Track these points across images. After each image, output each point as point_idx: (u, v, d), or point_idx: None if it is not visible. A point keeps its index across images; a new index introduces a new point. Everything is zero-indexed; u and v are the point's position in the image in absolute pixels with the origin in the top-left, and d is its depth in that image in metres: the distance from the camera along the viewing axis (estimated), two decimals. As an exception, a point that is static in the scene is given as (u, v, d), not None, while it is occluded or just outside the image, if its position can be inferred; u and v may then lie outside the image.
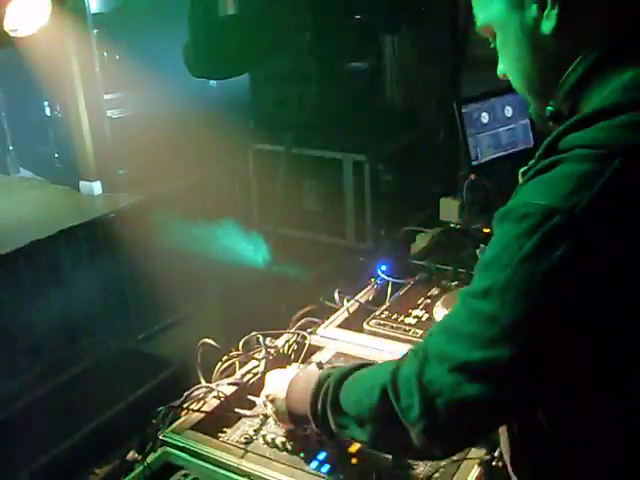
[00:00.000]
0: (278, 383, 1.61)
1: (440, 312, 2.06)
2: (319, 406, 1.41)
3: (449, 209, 2.74)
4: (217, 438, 1.65)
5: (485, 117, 2.95)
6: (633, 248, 1.03)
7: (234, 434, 1.66)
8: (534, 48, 1.21)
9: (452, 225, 2.67)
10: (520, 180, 1.22)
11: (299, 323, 2.08)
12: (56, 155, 4.56)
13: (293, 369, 1.69)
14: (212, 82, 4.40)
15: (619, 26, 1.15)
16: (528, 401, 1.15)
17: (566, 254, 1.02)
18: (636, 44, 1.15)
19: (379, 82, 4.12)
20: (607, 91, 1.14)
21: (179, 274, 3.65)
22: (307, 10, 3.46)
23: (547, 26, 1.17)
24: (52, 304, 3.52)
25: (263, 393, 1.66)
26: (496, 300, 1.08)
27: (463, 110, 2.87)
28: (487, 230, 2.54)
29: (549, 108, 1.23)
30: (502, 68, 1.31)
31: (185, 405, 1.76)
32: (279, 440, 1.60)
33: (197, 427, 1.69)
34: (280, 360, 1.92)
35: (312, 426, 1.47)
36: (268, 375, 1.70)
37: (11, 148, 4.72)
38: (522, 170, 1.21)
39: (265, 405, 1.65)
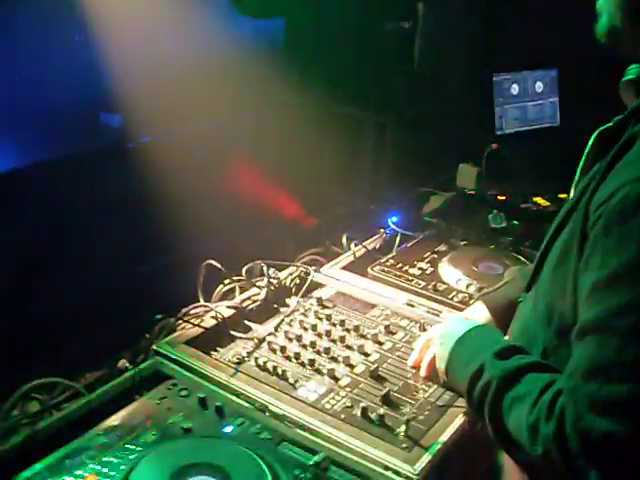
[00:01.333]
0: (452, 334, 1.49)
1: (445, 268, 2.07)
2: (476, 396, 1.30)
3: (466, 175, 2.74)
4: (210, 355, 1.67)
5: (515, 89, 2.94)
6: None
7: (227, 354, 1.68)
8: None
9: (467, 191, 2.67)
10: (591, 142, 1.14)
11: (304, 259, 2.10)
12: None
13: (470, 321, 1.55)
14: (247, 27, 4.36)
15: None
16: None
17: None
18: None
19: (410, 46, 4.09)
20: None
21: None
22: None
23: None
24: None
25: (435, 331, 1.61)
26: None
27: (494, 78, 2.87)
28: (502, 197, 2.54)
29: None
30: None
31: (181, 320, 1.78)
32: (270, 364, 1.61)
33: (191, 342, 1.71)
34: (281, 291, 1.93)
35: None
36: (450, 317, 1.67)
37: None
38: (602, 129, 1.13)
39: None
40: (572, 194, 1.19)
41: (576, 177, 1.18)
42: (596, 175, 1.08)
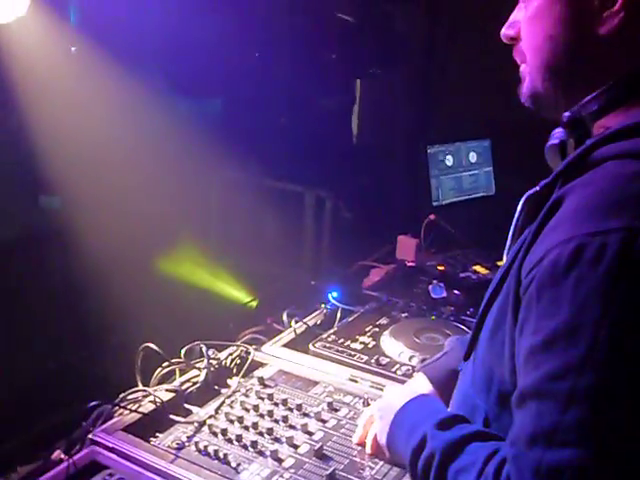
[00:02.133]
0: (391, 406, 1.47)
1: (387, 341, 2.06)
2: (419, 469, 1.24)
3: (406, 247, 2.75)
4: (149, 442, 1.61)
5: (449, 160, 3.00)
6: None
7: (167, 439, 1.63)
8: (577, 39, 1.13)
9: (407, 262, 2.68)
10: (520, 207, 1.15)
11: (245, 338, 2.07)
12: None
13: (410, 392, 1.51)
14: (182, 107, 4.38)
15: None
16: None
17: None
18: None
19: (349, 120, 4.16)
20: None
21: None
22: (283, 42, 3.49)
23: (605, 27, 1.09)
24: None
25: (375, 405, 1.58)
26: (603, 366, 0.91)
27: (429, 150, 2.92)
28: (441, 267, 2.56)
29: (568, 113, 1.15)
30: (513, 32, 1.23)
31: (118, 406, 1.73)
32: (212, 448, 1.57)
33: (129, 429, 1.66)
34: (221, 372, 1.90)
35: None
36: (389, 389, 1.66)
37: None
38: (529, 194, 1.13)
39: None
40: (504, 260, 1.20)
41: (507, 243, 1.19)
42: (526, 240, 1.08)
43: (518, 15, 1.23)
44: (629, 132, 1.03)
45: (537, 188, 1.11)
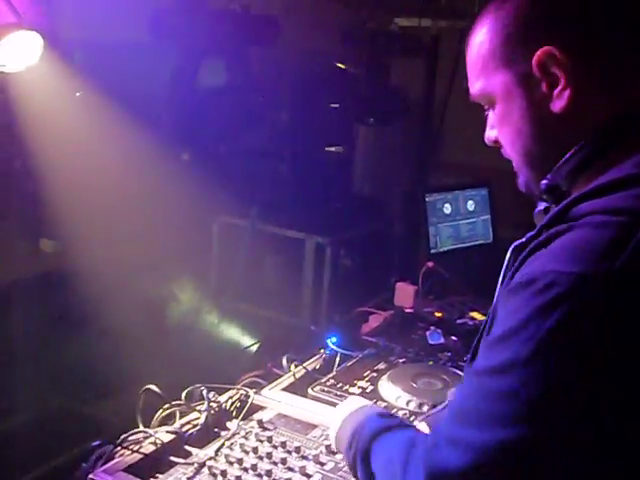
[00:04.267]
0: (339, 414, 1.62)
1: (385, 385, 2.08)
2: (351, 454, 1.43)
3: (404, 294, 2.78)
4: (148, 483, 1.64)
5: (448, 208, 3.04)
6: None
7: (166, 480, 1.65)
8: (540, 124, 1.22)
9: (405, 309, 2.71)
10: (509, 256, 1.23)
11: (244, 382, 2.09)
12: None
13: (359, 403, 1.67)
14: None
15: (621, 103, 1.18)
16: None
17: (600, 323, 0.99)
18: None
19: (349, 169, 4.23)
20: (617, 167, 1.13)
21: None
22: (286, 91, 3.57)
23: (557, 105, 1.18)
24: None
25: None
26: (517, 375, 1.02)
27: (427, 199, 2.97)
28: (439, 314, 2.59)
29: (545, 181, 1.24)
30: (493, 136, 1.33)
31: (119, 447, 1.74)
32: (211, 490, 1.59)
33: (129, 470, 1.67)
34: (222, 415, 1.92)
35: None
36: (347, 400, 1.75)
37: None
38: (516, 244, 1.21)
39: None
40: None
41: (497, 290, 1.25)
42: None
43: (492, 118, 1.33)
44: (603, 190, 1.10)
45: (523, 240, 1.20)
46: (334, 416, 1.64)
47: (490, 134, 1.34)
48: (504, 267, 1.24)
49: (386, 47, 3.51)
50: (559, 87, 1.18)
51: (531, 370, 1.02)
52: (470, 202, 3.11)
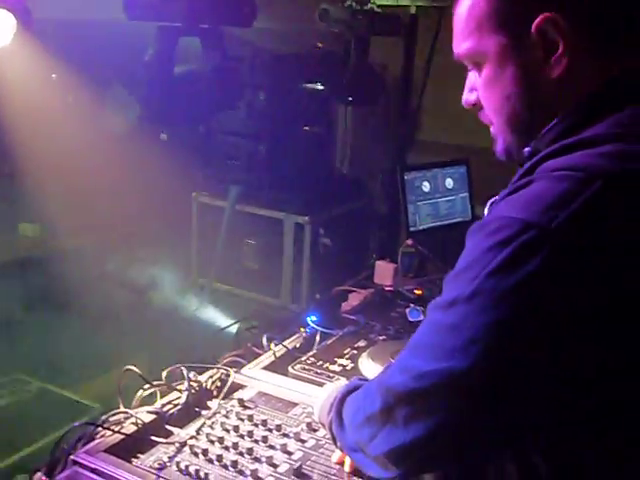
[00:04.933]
0: (322, 396, 1.66)
1: (365, 363, 2.09)
2: (329, 419, 1.50)
3: (384, 272, 2.79)
4: (130, 462, 1.63)
5: (426, 186, 3.05)
6: (606, 270, 1.02)
7: (148, 460, 1.65)
8: (532, 89, 1.22)
9: (385, 287, 2.72)
10: (485, 212, 1.26)
11: (225, 361, 2.09)
12: None
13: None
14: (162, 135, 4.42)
15: (613, 72, 1.18)
16: (490, 427, 1.11)
17: (538, 269, 1.02)
18: (628, 89, 1.18)
19: (328, 149, 4.23)
20: (591, 128, 1.15)
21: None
22: (263, 71, 3.55)
23: (554, 71, 1.18)
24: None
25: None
26: (460, 311, 1.08)
27: (405, 177, 2.97)
28: (418, 292, 2.60)
29: (528, 148, 1.24)
30: (472, 99, 1.32)
31: (100, 428, 1.74)
32: (193, 468, 1.59)
33: (111, 450, 1.67)
34: (202, 394, 1.92)
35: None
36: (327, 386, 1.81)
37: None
38: (492, 200, 1.24)
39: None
40: None
41: None
42: None
43: (473, 80, 1.32)
44: (569, 148, 1.13)
45: (497, 197, 1.21)
46: (320, 394, 1.70)
47: (469, 97, 1.33)
48: None
49: (364, 26, 3.49)
50: (557, 53, 1.17)
51: (471, 307, 1.07)
52: (448, 180, 3.12)
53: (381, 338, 2.29)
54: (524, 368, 1.05)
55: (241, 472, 1.60)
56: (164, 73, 2.93)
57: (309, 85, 3.71)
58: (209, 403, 1.89)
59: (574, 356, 1.03)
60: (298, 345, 2.27)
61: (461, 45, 1.28)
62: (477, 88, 1.30)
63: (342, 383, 1.71)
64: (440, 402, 1.10)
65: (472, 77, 1.32)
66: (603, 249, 1.02)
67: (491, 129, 1.33)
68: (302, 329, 2.32)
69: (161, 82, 3.05)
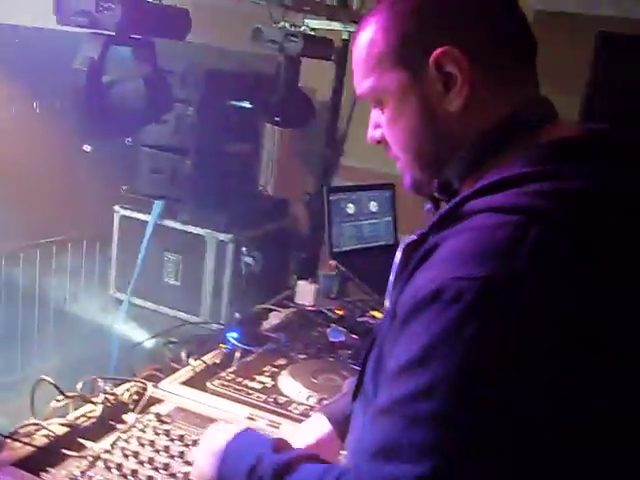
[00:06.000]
0: (215, 439, 1.40)
1: (285, 381, 2.08)
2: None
3: (305, 292, 2.79)
4: (39, 476, 1.59)
5: (351, 208, 3.07)
6: (570, 308, 1.00)
7: (59, 474, 1.61)
8: (434, 123, 1.21)
9: (307, 307, 2.72)
10: (399, 255, 1.20)
11: (142, 375, 2.06)
12: None
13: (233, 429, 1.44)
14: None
15: (515, 105, 1.19)
16: None
17: (517, 326, 0.97)
18: (530, 122, 1.18)
19: (254, 168, 4.23)
20: (506, 166, 1.13)
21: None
22: (193, 86, 3.53)
23: (453, 104, 1.18)
24: None
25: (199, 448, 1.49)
26: (444, 396, 0.97)
27: (331, 198, 2.98)
28: (340, 312, 2.61)
29: (438, 180, 1.23)
30: (377, 136, 1.31)
31: (9, 440, 1.69)
32: (105, 483, 1.56)
33: (19, 464, 1.61)
34: (118, 408, 1.88)
35: None
36: (211, 428, 1.52)
37: None
38: (407, 242, 1.19)
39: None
40: (386, 304, 1.26)
41: (389, 288, 1.24)
42: (403, 284, 1.14)
43: (377, 117, 1.31)
44: (492, 188, 1.10)
45: (414, 237, 1.19)
46: (204, 449, 1.43)
47: (374, 134, 1.32)
48: (397, 267, 1.21)
49: (296, 48, 3.51)
50: (456, 87, 1.18)
51: (458, 387, 0.98)
52: (373, 202, 3.15)
53: (302, 357, 2.29)
54: (528, 428, 0.99)
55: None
56: (92, 82, 2.88)
57: (238, 103, 3.70)
58: (125, 417, 1.85)
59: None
60: (217, 361, 2.25)
61: (362, 84, 1.28)
62: (381, 125, 1.29)
63: (226, 430, 1.43)
64: None
65: (375, 114, 1.32)
66: (562, 293, 1.00)
67: (398, 165, 1.32)
68: (222, 345, 2.31)
69: (89, 91, 2.99)
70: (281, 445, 1.30)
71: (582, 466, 1.02)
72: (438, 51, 1.17)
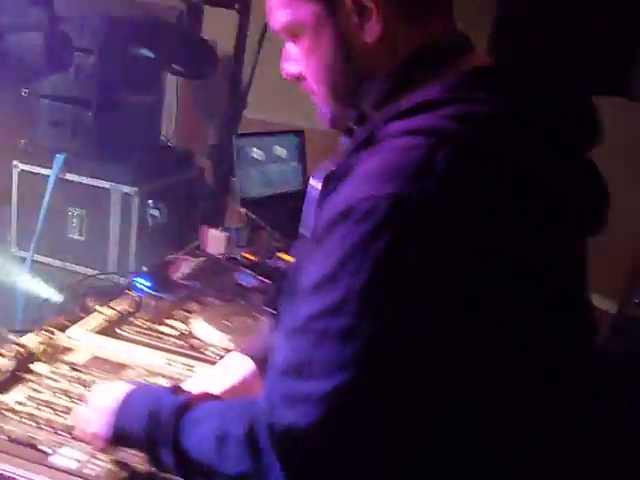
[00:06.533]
0: (104, 403, 1.39)
1: (198, 324, 2.08)
2: (154, 439, 1.24)
3: (215, 241, 2.78)
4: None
5: (259, 154, 3.05)
6: (476, 227, 1.04)
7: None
8: (350, 55, 1.22)
9: (217, 254, 2.71)
10: (321, 185, 1.22)
11: (50, 324, 2.02)
12: None
13: (122, 386, 1.43)
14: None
15: (430, 36, 1.21)
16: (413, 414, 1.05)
17: (424, 241, 1.01)
18: (446, 52, 1.21)
19: (158, 119, 4.14)
20: (422, 92, 1.16)
21: None
22: (93, 34, 3.43)
23: (369, 36, 1.19)
24: None
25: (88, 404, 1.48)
26: (353, 311, 1.00)
27: (237, 144, 2.96)
28: (250, 257, 2.61)
29: (354, 111, 1.25)
30: (293, 70, 1.31)
31: None
32: (20, 435, 1.53)
33: None
34: (27, 358, 1.84)
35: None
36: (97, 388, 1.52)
37: None
38: (328, 172, 1.21)
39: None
40: (304, 234, 1.28)
41: (304, 221, 1.29)
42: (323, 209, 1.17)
43: (292, 51, 1.31)
44: (407, 113, 1.14)
45: (334, 168, 1.21)
46: (95, 407, 1.43)
47: (290, 68, 1.32)
48: (317, 195, 1.24)
49: (198, -4, 3.45)
50: (371, 19, 1.19)
51: (366, 301, 1.01)
52: (281, 148, 3.13)
53: (214, 302, 2.29)
54: (436, 348, 1.03)
55: (74, 437, 1.54)
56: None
57: (140, 52, 3.61)
58: (35, 367, 1.82)
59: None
60: (128, 308, 2.22)
61: (277, 18, 1.27)
62: (296, 59, 1.30)
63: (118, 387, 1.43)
64: (356, 417, 1.02)
65: (290, 48, 1.32)
66: (466, 211, 1.04)
67: (314, 98, 1.33)
68: (131, 292, 2.28)
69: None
70: (179, 389, 1.33)
71: (478, 377, 1.08)
72: None
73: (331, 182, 1.20)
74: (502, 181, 1.08)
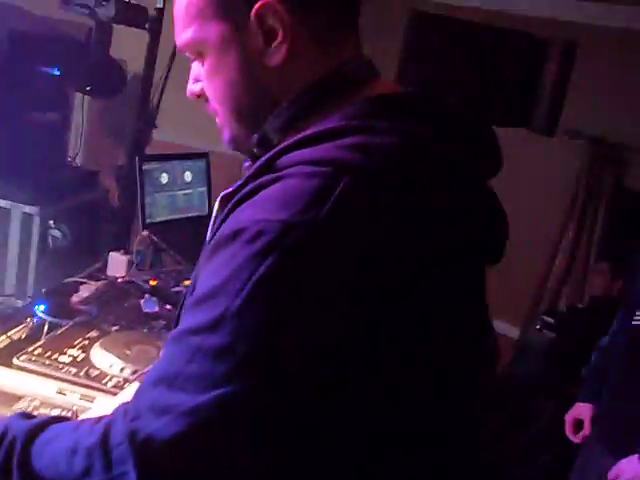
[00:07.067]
0: None
1: (97, 353, 2.02)
2: (1, 458, 1.15)
3: (117, 264, 2.71)
4: None
5: (165, 178, 3.01)
6: (367, 260, 1.03)
7: None
8: (254, 78, 1.20)
9: (118, 278, 2.65)
10: (217, 207, 1.20)
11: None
12: None
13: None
14: None
15: (336, 62, 1.20)
16: (270, 437, 1.03)
17: (308, 270, 1.00)
18: (351, 79, 1.20)
19: (62, 138, 4.06)
20: (323, 121, 1.14)
21: None
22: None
23: (273, 59, 1.17)
24: None
25: None
26: (228, 329, 0.99)
27: (144, 167, 2.91)
28: (154, 282, 2.56)
29: (257, 135, 1.22)
30: (197, 89, 1.28)
31: None
32: None
33: None
34: None
35: None
36: None
37: None
38: (223, 194, 1.19)
39: None
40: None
41: (207, 239, 1.23)
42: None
43: (197, 71, 1.28)
44: (308, 142, 1.12)
45: (231, 189, 1.18)
46: None
47: (194, 87, 1.29)
48: (213, 217, 1.21)
49: (108, 13, 3.39)
50: (276, 41, 1.16)
51: (243, 322, 0.99)
52: (187, 172, 3.10)
53: (114, 329, 2.23)
54: (311, 369, 1.02)
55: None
56: None
57: (46, 69, 3.53)
58: None
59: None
60: (24, 336, 2.14)
61: (182, 35, 1.24)
62: (201, 79, 1.27)
63: None
64: (222, 436, 1.00)
65: (196, 68, 1.29)
66: (360, 244, 1.03)
67: (217, 120, 1.30)
68: (29, 319, 2.20)
69: None
70: (29, 415, 1.26)
71: (359, 403, 1.06)
72: (259, 3, 1.15)
73: (227, 204, 1.17)
74: (399, 210, 1.07)
